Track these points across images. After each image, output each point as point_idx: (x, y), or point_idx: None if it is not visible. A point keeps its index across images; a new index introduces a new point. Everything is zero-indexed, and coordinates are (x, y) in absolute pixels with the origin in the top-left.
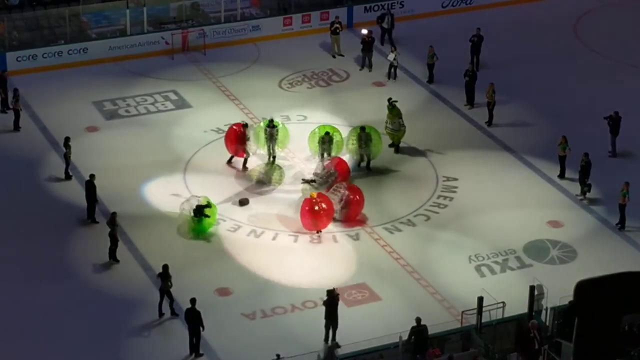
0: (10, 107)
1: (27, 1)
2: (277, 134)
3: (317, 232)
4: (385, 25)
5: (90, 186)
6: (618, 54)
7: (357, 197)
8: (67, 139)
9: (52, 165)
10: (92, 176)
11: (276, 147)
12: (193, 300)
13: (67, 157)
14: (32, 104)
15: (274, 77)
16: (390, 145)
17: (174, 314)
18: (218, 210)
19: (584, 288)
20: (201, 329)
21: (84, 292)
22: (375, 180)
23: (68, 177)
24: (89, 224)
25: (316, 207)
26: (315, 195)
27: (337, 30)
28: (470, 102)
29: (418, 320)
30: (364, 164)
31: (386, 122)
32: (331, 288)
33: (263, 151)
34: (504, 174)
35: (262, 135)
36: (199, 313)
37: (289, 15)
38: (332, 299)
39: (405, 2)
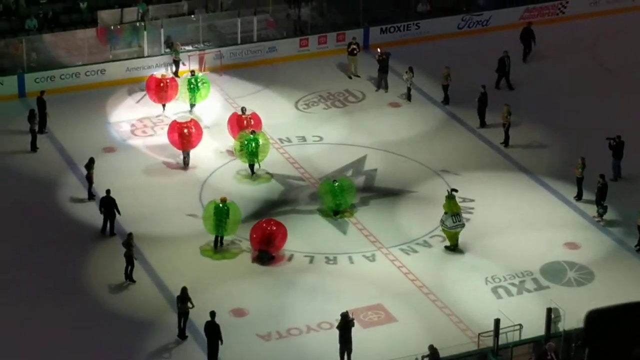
0: (46, 131)
1: (46, 23)
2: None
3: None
4: (507, 69)
5: (107, 201)
6: (635, 75)
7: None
8: (91, 160)
9: (69, 185)
10: (108, 191)
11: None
12: (213, 314)
13: (90, 178)
14: (50, 124)
15: (291, 98)
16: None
17: (184, 336)
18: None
19: (594, 318)
20: (220, 343)
21: (99, 312)
22: (391, 201)
23: (91, 197)
24: (105, 243)
25: (185, 130)
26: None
27: (355, 52)
28: (482, 124)
29: (431, 347)
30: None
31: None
32: (345, 311)
33: (186, 102)
34: (520, 195)
35: (186, 87)
36: (218, 327)
37: (305, 37)
38: (345, 323)
39: (421, 24)
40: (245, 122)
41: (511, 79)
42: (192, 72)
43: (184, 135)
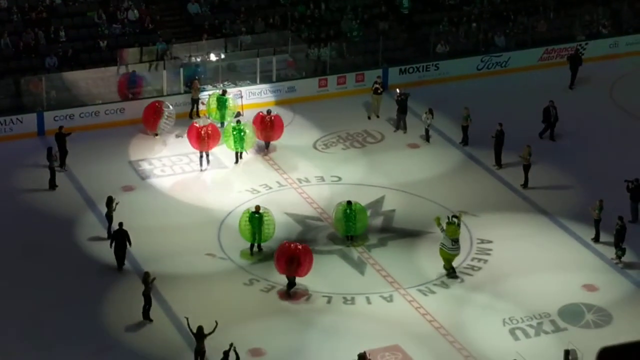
0: (65, 169)
1: (66, 61)
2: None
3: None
4: (552, 119)
5: (120, 234)
6: None
7: None
8: (110, 199)
9: (88, 224)
10: (120, 224)
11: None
12: (226, 354)
13: (110, 216)
14: (69, 163)
15: (309, 138)
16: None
17: None
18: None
19: (607, 355)
20: None
21: (117, 352)
22: (409, 242)
23: (110, 236)
24: (123, 282)
25: (202, 132)
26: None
27: (379, 91)
28: (498, 162)
29: None
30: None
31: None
32: (362, 352)
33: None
34: (538, 236)
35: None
36: None
37: (324, 77)
38: None
39: (440, 65)
40: (267, 119)
41: (554, 130)
42: (224, 92)
43: (201, 137)
